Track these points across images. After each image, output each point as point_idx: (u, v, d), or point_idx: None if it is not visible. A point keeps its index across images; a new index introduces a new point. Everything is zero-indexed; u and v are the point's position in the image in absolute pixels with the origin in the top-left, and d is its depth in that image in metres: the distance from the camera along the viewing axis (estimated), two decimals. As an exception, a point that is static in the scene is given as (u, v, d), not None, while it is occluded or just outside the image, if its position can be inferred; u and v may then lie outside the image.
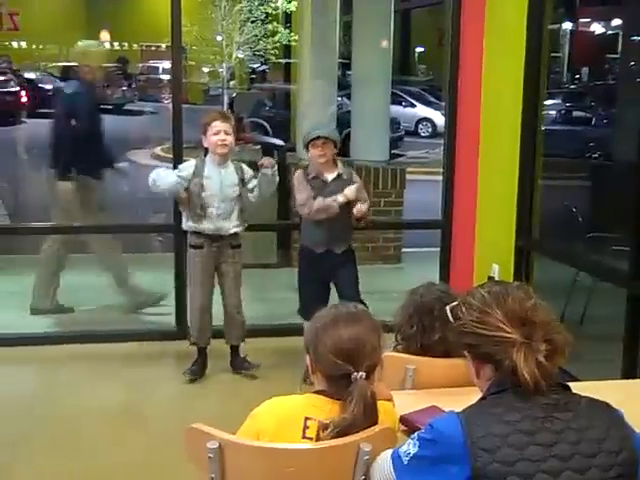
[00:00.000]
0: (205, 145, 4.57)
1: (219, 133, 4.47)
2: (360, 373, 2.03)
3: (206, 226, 4.55)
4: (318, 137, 4.42)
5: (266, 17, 16.01)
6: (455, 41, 5.33)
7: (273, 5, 15.84)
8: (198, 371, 4.73)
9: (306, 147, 4.50)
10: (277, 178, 4.67)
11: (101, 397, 4.47)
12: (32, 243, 6.81)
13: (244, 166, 4.68)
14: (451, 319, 1.95)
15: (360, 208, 4.51)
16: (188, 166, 4.58)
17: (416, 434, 1.83)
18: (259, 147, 8.34)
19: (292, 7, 15.64)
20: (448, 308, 1.99)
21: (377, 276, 7.26)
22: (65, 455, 3.82)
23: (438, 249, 5.82)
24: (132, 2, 22.99)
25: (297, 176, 4.56)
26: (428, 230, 6.47)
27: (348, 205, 4.48)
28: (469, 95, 5.29)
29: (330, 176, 4.50)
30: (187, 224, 4.64)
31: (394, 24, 7.58)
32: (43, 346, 5.18)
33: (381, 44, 7.50)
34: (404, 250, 7.72)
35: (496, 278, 5.04)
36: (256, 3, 15.92)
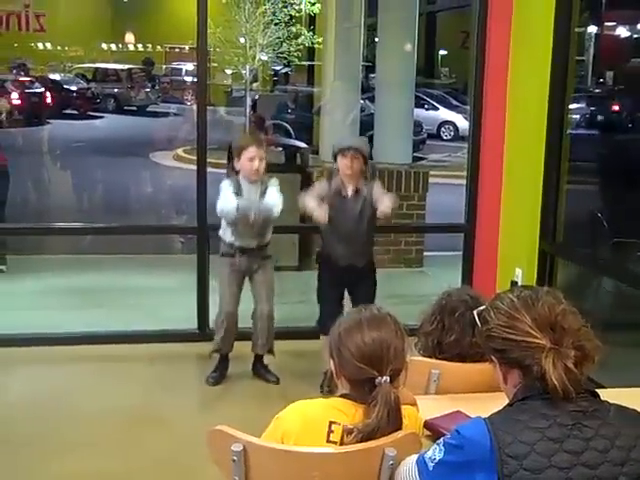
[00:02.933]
0: (237, 168, 4.51)
1: (253, 160, 4.43)
2: (384, 377, 2.02)
3: (247, 242, 4.56)
4: (349, 148, 4.37)
5: (290, 19, 16.02)
6: (481, 44, 5.30)
7: (297, 7, 15.85)
8: (219, 378, 4.72)
9: (335, 157, 4.43)
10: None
11: (122, 398, 4.48)
12: (60, 243, 6.91)
13: (272, 180, 4.60)
14: (478, 323, 1.93)
15: (385, 208, 4.34)
16: (228, 185, 4.52)
17: (442, 439, 1.81)
18: (281, 149, 8.35)
19: (315, 10, 15.66)
20: (475, 312, 1.97)
21: (399, 280, 7.24)
22: (87, 455, 3.83)
23: (460, 253, 5.80)
24: (157, 4, 23.11)
25: (319, 184, 4.56)
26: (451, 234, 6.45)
27: (370, 219, 4.44)
28: (494, 98, 5.26)
29: (350, 190, 4.42)
30: (227, 236, 4.59)
31: (418, 27, 7.56)
32: (66, 346, 5.20)
33: (405, 47, 7.48)
34: (426, 254, 7.68)
35: (519, 283, 5.01)
36: (280, 5, 15.93)
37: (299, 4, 15.76)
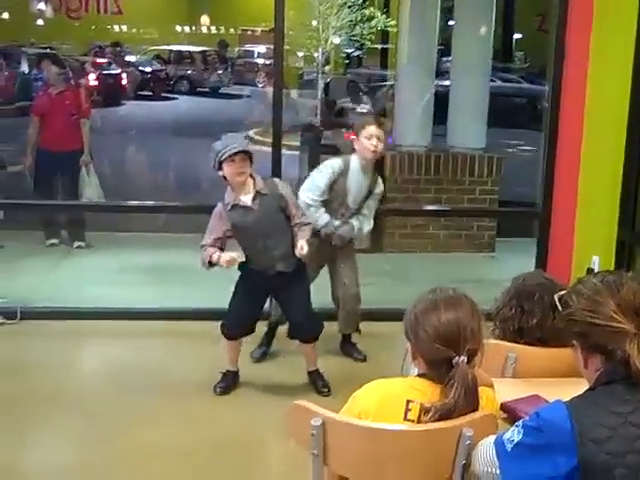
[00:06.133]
0: (355, 147, 4.52)
1: (372, 138, 4.43)
2: (461, 357, 2.03)
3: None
4: (237, 152, 3.94)
5: (363, 2, 15.93)
6: (561, 25, 5.18)
7: (371, -10, 15.73)
8: (262, 354, 4.75)
9: (219, 167, 3.99)
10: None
11: (192, 373, 4.59)
12: (138, 221, 7.07)
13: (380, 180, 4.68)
14: (559, 307, 1.93)
15: (304, 241, 4.04)
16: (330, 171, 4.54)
17: (521, 422, 1.82)
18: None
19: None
20: (556, 296, 1.96)
21: (470, 264, 7.20)
22: (159, 426, 3.95)
23: (532, 239, 5.72)
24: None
25: (214, 212, 4.12)
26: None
27: (283, 219, 4.13)
28: (573, 82, 5.16)
29: (249, 197, 4.05)
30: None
31: (496, 10, 7.43)
32: (140, 321, 5.33)
33: (482, 30, 7.36)
34: (498, 239, 7.61)
35: (596, 270, 4.93)
36: (354, -13, 15.84)
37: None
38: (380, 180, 4.73)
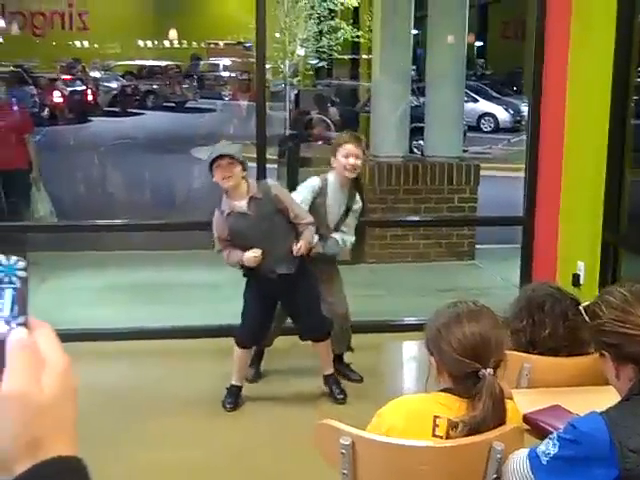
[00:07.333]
0: (333, 165, 4.44)
1: (349, 157, 4.33)
2: (488, 370, 2.02)
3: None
4: (221, 156, 3.90)
5: (329, 13, 16.01)
6: (539, 31, 5.23)
7: (335, 1, 15.82)
8: (257, 369, 4.69)
9: (209, 170, 3.98)
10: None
11: (193, 391, 4.54)
12: (114, 240, 6.99)
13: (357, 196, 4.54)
14: (586, 318, 1.93)
15: (304, 242, 4.07)
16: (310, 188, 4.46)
17: (555, 434, 1.82)
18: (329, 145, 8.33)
19: (354, 3, 15.63)
20: (582, 307, 1.97)
21: (451, 273, 7.24)
22: (166, 446, 3.89)
23: (512, 246, 5.76)
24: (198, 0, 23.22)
25: (214, 220, 4.14)
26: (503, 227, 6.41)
27: (282, 221, 4.11)
28: (553, 88, 5.21)
29: (243, 202, 4.03)
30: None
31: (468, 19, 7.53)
32: (126, 341, 5.25)
33: (455, 40, 7.44)
34: (477, 246, 7.66)
35: (582, 276, 4.97)
36: (319, 0, 15.93)
37: (338, -3, 15.74)
38: (358, 197, 4.61)
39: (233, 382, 4.35)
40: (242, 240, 4.07)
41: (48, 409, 0.74)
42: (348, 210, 4.55)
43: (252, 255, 4.01)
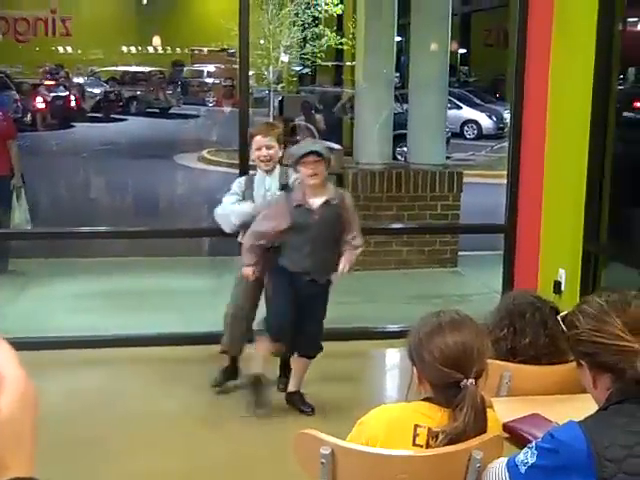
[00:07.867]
0: (252, 158, 4.46)
1: (261, 149, 4.33)
2: (470, 380, 2.03)
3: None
4: (310, 152, 3.95)
5: (313, 20, 16.07)
6: (521, 39, 5.26)
7: (320, 9, 15.89)
8: (222, 380, 4.59)
9: (295, 166, 4.07)
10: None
11: (172, 399, 4.51)
12: (96, 247, 6.97)
13: (290, 171, 4.37)
14: (563, 327, 1.95)
15: (349, 264, 4.11)
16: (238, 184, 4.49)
17: (534, 443, 1.83)
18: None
19: (338, 10, 15.68)
20: (560, 316, 1.98)
21: (434, 280, 7.26)
22: (146, 456, 3.86)
23: (495, 252, 5.78)
24: (182, 7, 23.20)
25: (278, 199, 4.18)
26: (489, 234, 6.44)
27: (339, 234, 4.13)
28: (535, 96, 5.24)
29: (317, 201, 4.03)
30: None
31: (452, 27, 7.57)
32: (107, 349, 5.21)
33: (438, 47, 7.48)
34: (460, 253, 7.69)
35: (563, 283, 5.00)
36: (303, 7, 15.98)
37: (322, 5, 15.79)
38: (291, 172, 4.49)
39: (254, 371, 4.27)
40: (297, 234, 4.06)
41: (8, 427, 0.72)
42: (284, 187, 4.39)
43: (249, 271, 4.11)
